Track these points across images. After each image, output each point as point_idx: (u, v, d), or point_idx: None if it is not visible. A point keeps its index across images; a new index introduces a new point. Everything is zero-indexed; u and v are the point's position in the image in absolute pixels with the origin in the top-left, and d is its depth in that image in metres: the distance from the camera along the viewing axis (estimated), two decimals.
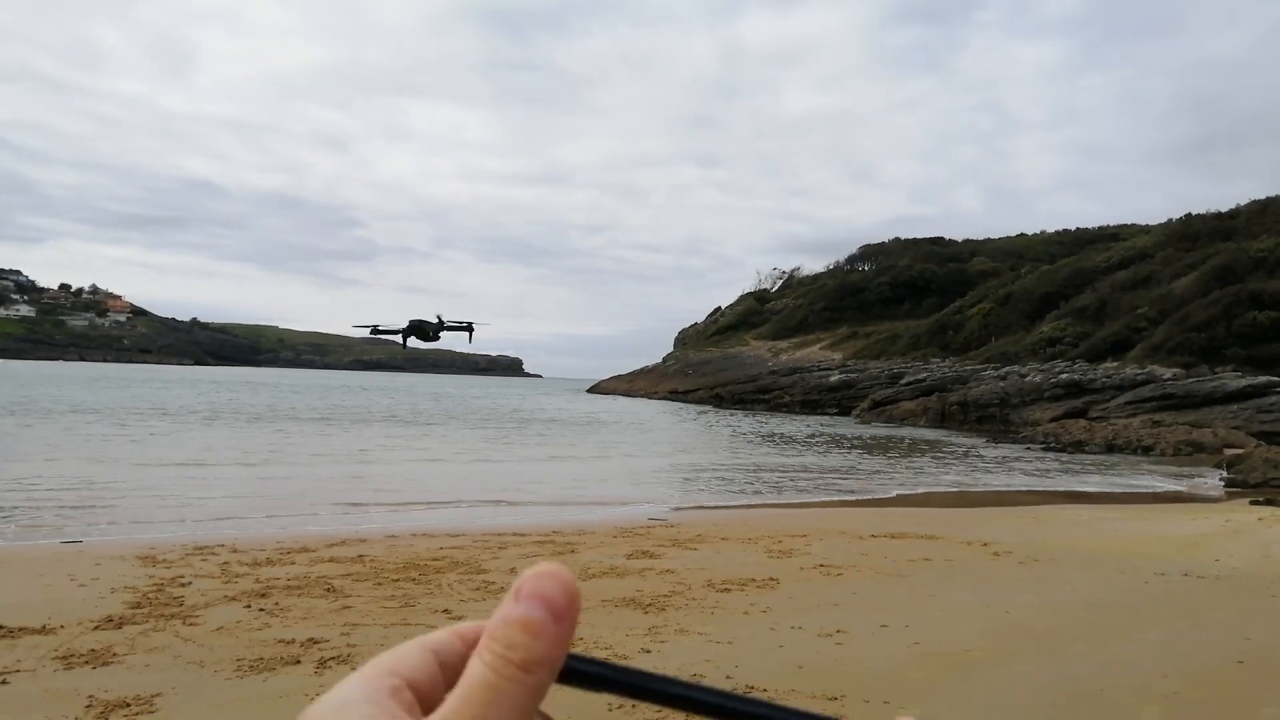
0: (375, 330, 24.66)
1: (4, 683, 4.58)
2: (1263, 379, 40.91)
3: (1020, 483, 20.13)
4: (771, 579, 7.53)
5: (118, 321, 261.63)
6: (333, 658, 5.09)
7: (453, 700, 0.38)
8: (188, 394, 56.93)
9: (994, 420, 44.83)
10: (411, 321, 24.14)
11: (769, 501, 15.65)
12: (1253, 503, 15.48)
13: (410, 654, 0.41)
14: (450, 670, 0.41)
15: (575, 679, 0.40)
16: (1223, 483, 21.09)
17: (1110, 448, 32.45)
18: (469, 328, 25.45)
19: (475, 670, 0.38)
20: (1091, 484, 20.37)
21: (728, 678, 4.87)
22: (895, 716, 0.44)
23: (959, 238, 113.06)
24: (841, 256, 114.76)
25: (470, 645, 0.42)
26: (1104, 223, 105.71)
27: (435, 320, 24.34)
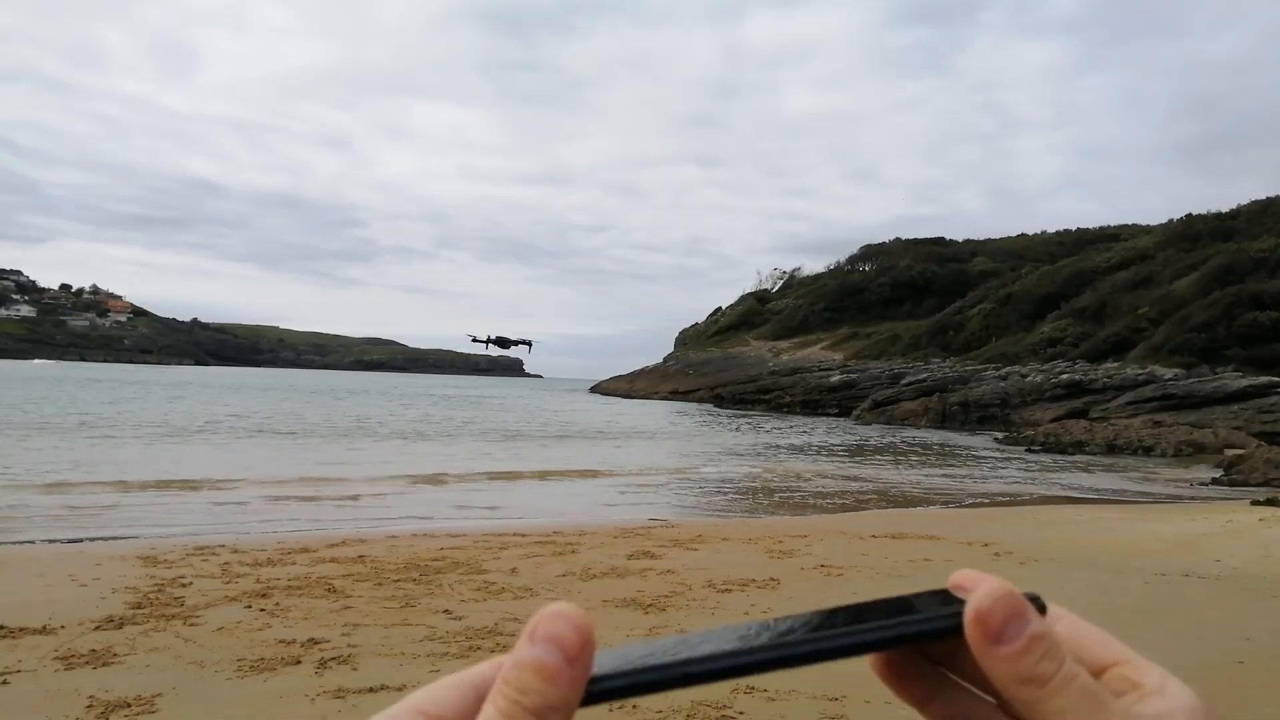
0: (491, 340, 39.59)
1: (4, 683, 4.59)
2: (1263, 379, 40.89)
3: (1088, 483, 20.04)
4: (772, 579, 7.53)
5: (118, 322, 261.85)
6: (333, 658, 5.09)
7: None
8: (215, 401, 49.73)
9: (995, 420, 44.81)
10: (496, 336, 40.09)
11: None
12: (1253, 503, 15.46)
13: (441, 692, 0.40)
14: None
15: (598, 699, 0.38)
16: (1223, 483, 21.08)
17: (1111, 448, 32.43)
18: (529, 343, 40.90)
19: (488, 716, 0.37)
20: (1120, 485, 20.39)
21: None
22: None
23: (960, 238, 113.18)
24: (842, 257, 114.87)
25: (483, 694, 0.41)
26: (1105, 223, 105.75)
27: (509, 337, 39.77)
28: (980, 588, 0.40)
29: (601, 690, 0.38)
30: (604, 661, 0.38)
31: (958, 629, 0.39)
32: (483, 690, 0.40)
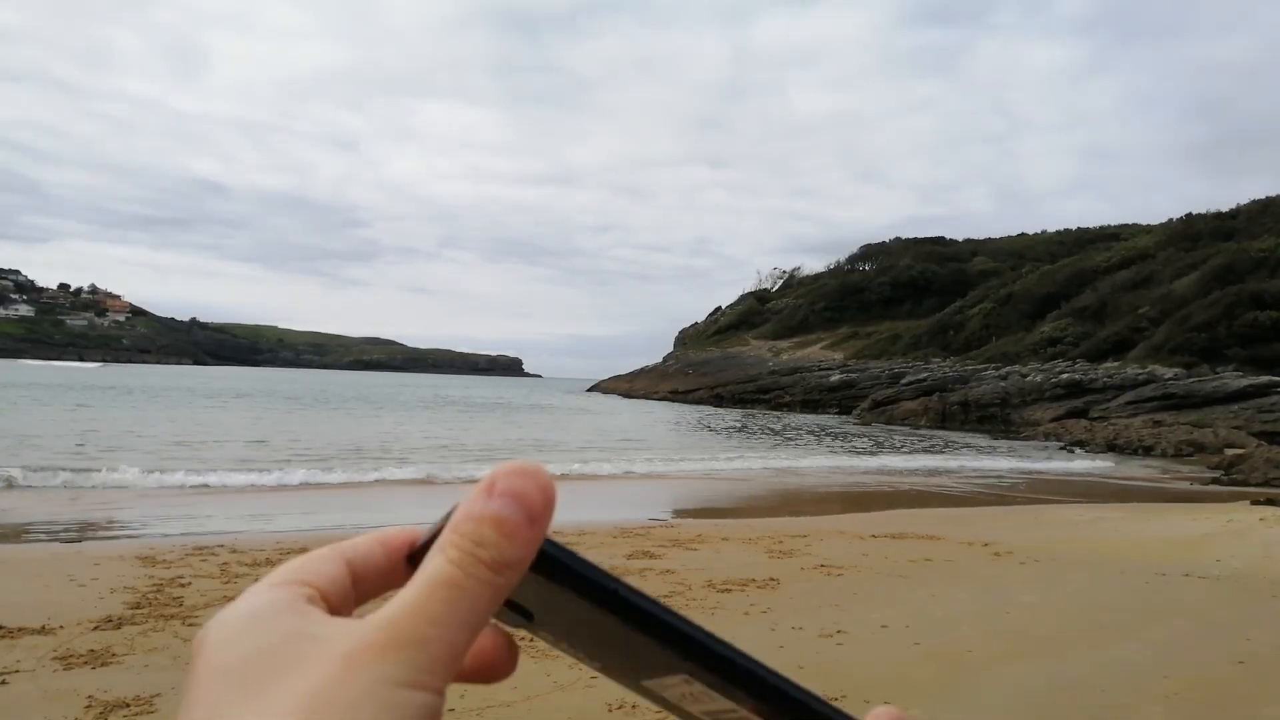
0: None
1: (3, 683, 4.58)
2: (1264, 379, 40.90)
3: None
4: (772, 579, 7.52)
5: (116, 321, 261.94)
6: None
7: (410, 594, 0.34)
8: (205, 416, 49.07)
9: (995, 420, 44.82)
10: None
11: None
12: (1254, 503, 15.46)
13: (323, 562, 0.38)
14: (364, 583, 0.38)
15: (541, 565, 0.36)
16: (1223, 482, 21.07)
17: (1111, 447, 32.45)
18: None
19: (437, 565, 0.34)
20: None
21: None
22: (874, 708, 0.40)
23: (960, 238, 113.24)
24: (845, 257, 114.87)
25: (394, 556, 0.39)
26: (1107, 223, 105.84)
27: None
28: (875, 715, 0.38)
29: (548, 555, 0.36)
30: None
31: None
32: (355, 563, 0.38)
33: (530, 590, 0.36)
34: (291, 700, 0.31)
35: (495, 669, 0.39)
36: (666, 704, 0.39)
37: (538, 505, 0.35)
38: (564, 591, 0.36)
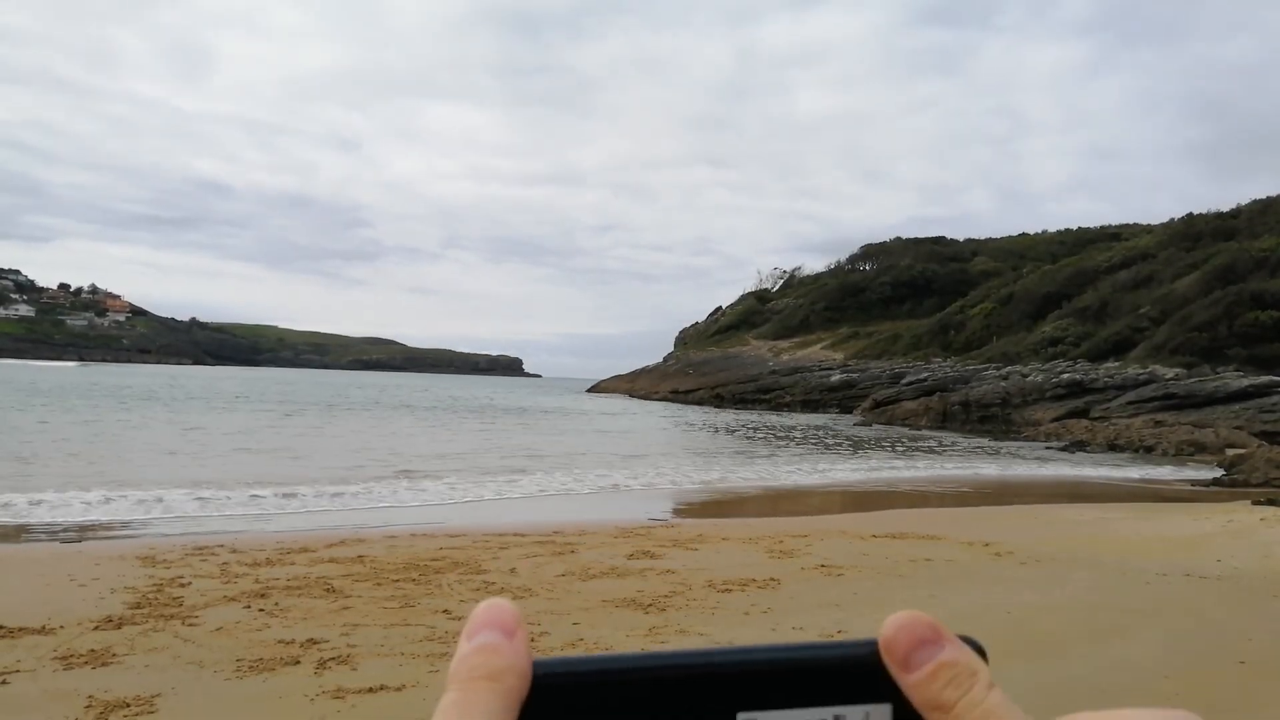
0: None
1: (4, 683, 4.58)
2: (1265, 379, 40.85)
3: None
4: (772, 579, 7.51)
5: (117, 321, 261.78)
6: (332, 658, 5.08)
7: None
8: (179, 431, 45.81)
9: (995, 420, 44.80)
10: None
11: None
12: (1255, 503, 15.45)
13: None
14: None
15: (551, 692, 0.38)
16: (1224, 483, 21.06)
17: (1112, 448, 32.43)
18: None
19: (447, 700, 0.37)
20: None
21: None
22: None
23: (961, 238, 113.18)
24: (846, 257, 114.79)
25: None
26: (1108, 223, 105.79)
27: None
28: (893, 617, 0.40)
29: (546, 674, 0.38)
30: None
31: (874, 656, 0.39)
32: None
33: None
34: None
35: None
36: None
37: (511, 622, 0.39)
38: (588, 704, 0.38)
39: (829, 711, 0.39)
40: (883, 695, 0.39)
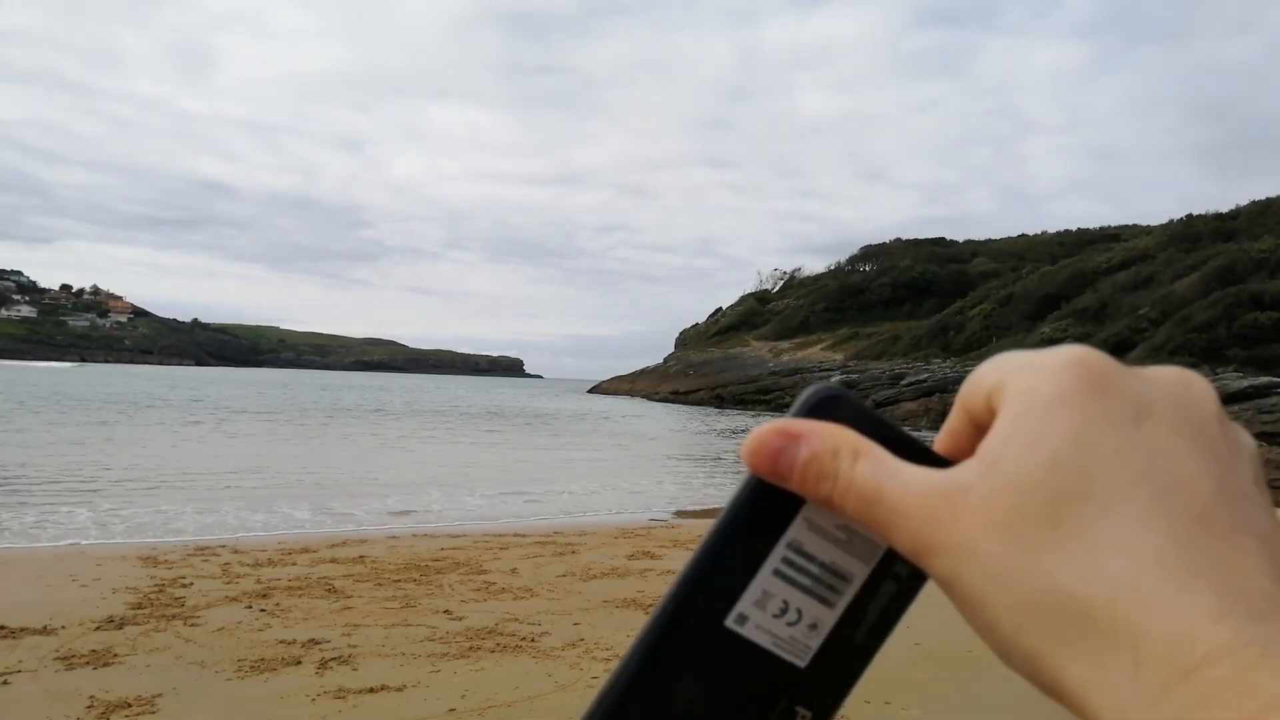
0: None
1: (5, 683, 4.59)
2: (1264, 380, 40.84)
3: None
4: None
5: (119, 322, 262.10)
6: (334, 658, 5.09)
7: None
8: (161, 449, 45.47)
9: None
10: None
11: None
12: None
13: None
14: None
15: None
16: None
17: None
18: None
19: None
20: None
21: None
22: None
23: (960, 238, 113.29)
24: (846, 257, 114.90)
25: None
26: (1107, 224, 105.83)
27: None
28: (743, 444, 0.34)
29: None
30: None
31: (760, 486, 0.34)
32: None
33: None
34: None
35: None
36: None
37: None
38: None
39: (791, 551, 0.34)
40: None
